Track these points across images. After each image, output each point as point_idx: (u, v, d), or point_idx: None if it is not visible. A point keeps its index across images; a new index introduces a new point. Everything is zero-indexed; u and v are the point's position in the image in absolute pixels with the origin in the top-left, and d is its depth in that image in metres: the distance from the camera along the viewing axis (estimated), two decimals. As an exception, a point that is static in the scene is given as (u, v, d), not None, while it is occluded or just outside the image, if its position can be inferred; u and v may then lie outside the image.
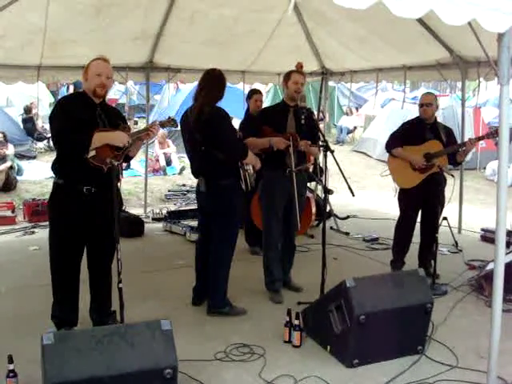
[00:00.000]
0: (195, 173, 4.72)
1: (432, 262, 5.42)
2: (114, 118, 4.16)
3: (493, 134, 5.51)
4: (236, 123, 5.67)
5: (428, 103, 5.51)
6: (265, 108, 5.84)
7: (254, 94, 6.74)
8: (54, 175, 4.10)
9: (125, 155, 4.09)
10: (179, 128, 4.71)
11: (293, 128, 4.95)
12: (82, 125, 3.83)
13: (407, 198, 5.60)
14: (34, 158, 12.80)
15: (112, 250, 4.07)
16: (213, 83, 4.53)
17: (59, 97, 13.00)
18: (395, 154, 5.60)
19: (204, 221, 4.82)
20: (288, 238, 5.18)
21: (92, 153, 3.81)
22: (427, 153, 5.43)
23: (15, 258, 6.36)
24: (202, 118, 4.37)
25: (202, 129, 4.39)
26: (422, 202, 5.54)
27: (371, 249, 6.93)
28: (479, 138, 5.63)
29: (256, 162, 4.63)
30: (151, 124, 4.33)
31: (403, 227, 5.72)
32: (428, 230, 5.61)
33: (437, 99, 5.70)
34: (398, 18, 2.72)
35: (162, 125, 4.41)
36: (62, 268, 4.05)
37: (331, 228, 7.80)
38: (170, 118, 4.52)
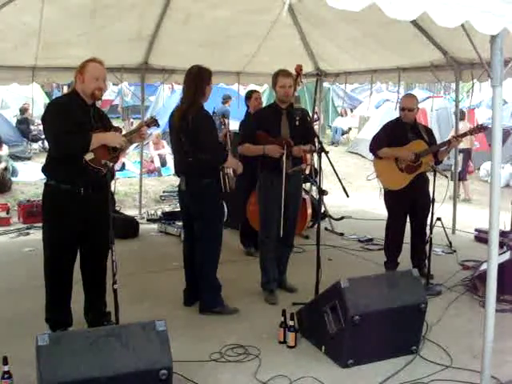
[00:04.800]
0: (177, 172, 4.81)
1: (426, 262, 5.45)
2: (105, 119, 4.22)
3: (475, 129, 5.54)
4: (232, 123, 5.70)
5: (410, 108, 5.50)
6: (258, 111, 5.84)
7: (253, 93, 6.89)
8: (46, 177, 4.06)
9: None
10: (167, 128, 4.76)
11: (286, 131, 4.94)
12: (79, 127, 3.84)
13: (395, 199, 5.60)
14: (29, 159, 12.75)
15: (106, 251, 4.08)
16: (190, 81, 4.54)
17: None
18: (382, 155, 5.58)
19: (187, 220, 4.88)
20: (285, 238, 5.19)
21: (90, 155, 3.82)
22: (413, 153, 5.45)
23: (10, 260, 6.35)
24: (187, 119, 4.42)
25: (186, 130, 4.44)
26: (410, 202, 5.55)
27: (365, 249, 6.96)
28: (463, 135, 5.65)
29: (237, 167, 4.68)
30: (139, 126, 4.32)
31: (393, 228, 5.72)
32: (419, 229, 5.64)
33: (417, 101, 5.70)
34: (392, 19, 2.74)
35: (148, 125, 4.41)
36: (58, 270, 4.05)
37: (326, 229, 7.81)
38: (152, 117, 4.54)
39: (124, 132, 4.38)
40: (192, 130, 4.41)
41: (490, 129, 3.42)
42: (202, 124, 4.44)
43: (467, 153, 11.01)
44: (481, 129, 5.55)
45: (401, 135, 5.53)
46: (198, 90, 4.48)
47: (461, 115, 11.49)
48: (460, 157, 9.66)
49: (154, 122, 4.46)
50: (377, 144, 5.61)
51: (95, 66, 3.99)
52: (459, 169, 9.52)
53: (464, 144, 9.74)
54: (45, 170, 4.07)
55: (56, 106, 4.03)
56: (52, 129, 3.90)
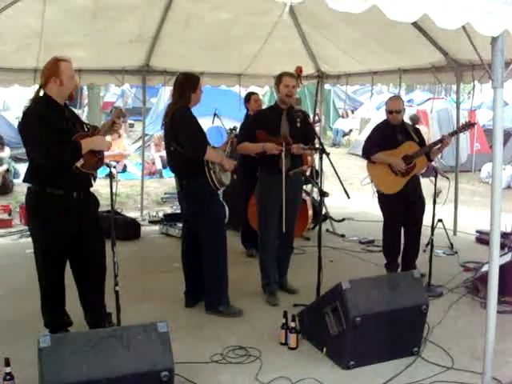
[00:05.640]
0: (173, 173, 4.91)
1: (416, 263, 5.48)
2: (78, 118, 4.18)
3: (464, 127, 5.52)
4: (231, 125, 5.70)
5: (397, 110, 5.48)
6: (258, 111, 5.87)
7: (252, 95, 6.90)
8: (35, 184, 3.90)
9: None
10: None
11: (286, 131, 4.95)
12: (62, 133, 3.77)
13: (389, 202, 5.59)
14: (31, 161, 12.77)
15: (101, 252, 4.08)
16: (176, 88, 4.66)
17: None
18: (375, 160, 5.56)
19: (185, 221, 4.93)
20: (285, 240, 5.19)
21: (81, 161, 3.79)
22: (405, 155, 5.44)
23: (12, 261, 6.35)
24: (167, 119, 4.58)
25: (169, 129, 4.57)
26: (404, 203, 5.54)
27: (367, 251, 6.96)
28: (453, 133, 5.62)
29: (222, 161, 4.66)
30: (112, 122, 4.17)
31: (390, 230, 5.71)
32: (414, 230, 5.65)
33: (403, 103, 5.67)
34: (393, 21, 2.75)
35: (118, 117, 4.26)
36: (52, 274, 4.02)
37: (327, 230, 7.82)
38: (116, 107, 4.48)
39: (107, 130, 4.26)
40: (172, 127, 4.53)
41: (490, 130, 3.42)
42: (178, 119, 4.52)
43: None
44: (469, 125, 5.52)
45: (391, 138, 5.52)
46: (181, 97, 4.57)
47: (414, 120, 11.83)
48: None
49: (120, 112, 4.29)
50: (370, 148, 5.59)
51: (68, 65, 3.89)
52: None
53: None
54: (32, 177, 3.91)
55: (35, 116, 3.79)
56: (38, 142, 3.72)
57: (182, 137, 4.50)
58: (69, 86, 3.90)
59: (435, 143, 5.53)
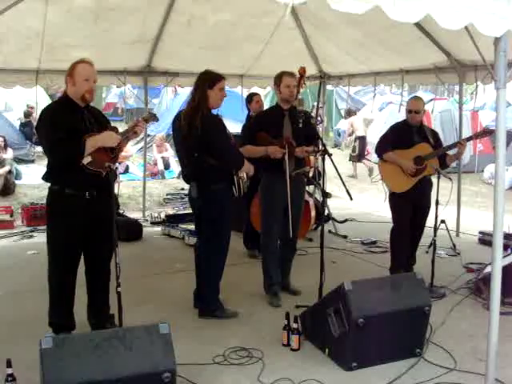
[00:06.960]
0: (187, 178, 4.72)
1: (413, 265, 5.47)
2: (101, 119, 4.15)
3: (481, 133, 5.51)
4: (233, 126, 5.69)
5: (417, 110, 5.46)
6: (259, 113, 5.84)
7: (254, 96, 6.91)
8: (50, 183, 4.00)
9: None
10: (171, 130, 4.71)
11: (289, 132, 4.92)
12: (73, 133, 3.77)
13: (400, 202, 5.55)
14: (33, 162, 12.80)
15: (110, 253, 4.08)
16: (195, 85, 4.52)
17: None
18: (386, 159, 5.54)
19: (200, 225, 4.83)
20: (288, 241, 5.17)
21: (88, 159, 3.78)
22: (417, 156, 5.42)
23: (13, 263, 6.36)
24: (194, 123, 4.31)
25: (195, 135, 4.33)
26: (413, 205, 5.52)
27: (369, 252, 6.94)
28: (469, 139, 5.61)
29: (250, 169, 4.62)
30: (136, 122, 4.22)
31: (399, 231, 5.67)
32: (416, 233, 5.64)
33: (424, 103, 5.66)
34: (396, 22, 2.74)
35: (146, 120, 4.30)
36: (63, 274, 4.04)
37: (329, 231, 7.81)
38: (150, 112, 4.47)
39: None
40: (201, 134, 4.30)
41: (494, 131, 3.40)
42: (211, 126, 4.37)
43: (362, 139, 13.93)
44: (486, 133, 5.50)
45: (406, 138, 5.50)
46: (199, 95, 4.41)
47: (351, 113, 13.74)
48: (357, 143, 13.65)
49: (152, 117, 4.35)
50: (383, 146, 5.59)
51: (84, 66, 3.91)
52: (356, 153, 13.67)
53: (359, 132, 14.03)
54: (48, 176, 4.01)
55: (49, 114, 3.90)
56: (46, 138, 3.83)
57: (217, 150, 4.37)
58: (81, 88, 3.89)
59: (449, 146, 5.51)
